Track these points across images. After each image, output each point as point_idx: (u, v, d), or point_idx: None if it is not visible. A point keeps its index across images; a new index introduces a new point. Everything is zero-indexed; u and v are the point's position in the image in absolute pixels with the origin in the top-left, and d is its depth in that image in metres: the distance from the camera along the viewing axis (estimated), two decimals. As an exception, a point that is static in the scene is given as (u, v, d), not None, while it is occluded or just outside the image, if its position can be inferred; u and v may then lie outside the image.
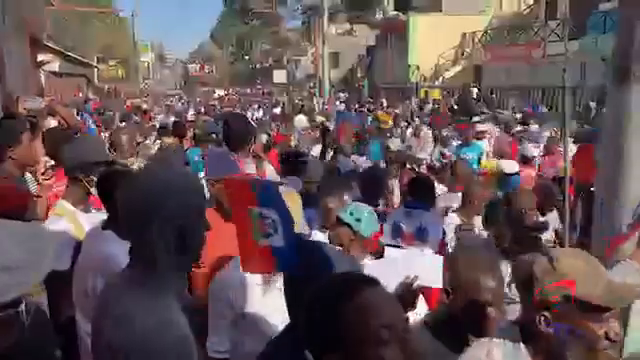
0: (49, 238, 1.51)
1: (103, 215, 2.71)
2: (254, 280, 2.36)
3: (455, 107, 17.70)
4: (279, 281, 2.27)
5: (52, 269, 1.40)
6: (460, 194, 4.77)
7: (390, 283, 2.02)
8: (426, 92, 26.12)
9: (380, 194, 4.74)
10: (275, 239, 1.86)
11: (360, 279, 1.42)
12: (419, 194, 4.09)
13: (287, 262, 1.82)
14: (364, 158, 7.46)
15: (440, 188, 5.44)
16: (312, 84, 37.61)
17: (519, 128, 10.79)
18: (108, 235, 2.46)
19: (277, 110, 21.21)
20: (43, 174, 3.75)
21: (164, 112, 19.57)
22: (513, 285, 1.96)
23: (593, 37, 17.57)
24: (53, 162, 3.89)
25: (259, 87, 50.68)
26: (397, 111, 16.04)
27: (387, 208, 4.85)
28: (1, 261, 1.29)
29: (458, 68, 27.79)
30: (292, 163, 4.78)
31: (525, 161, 7.03)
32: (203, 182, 2.80)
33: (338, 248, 2.38)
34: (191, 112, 18.84)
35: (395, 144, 9.01)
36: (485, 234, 3.75)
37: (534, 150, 7.73)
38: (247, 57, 71.99)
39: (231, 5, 72.38)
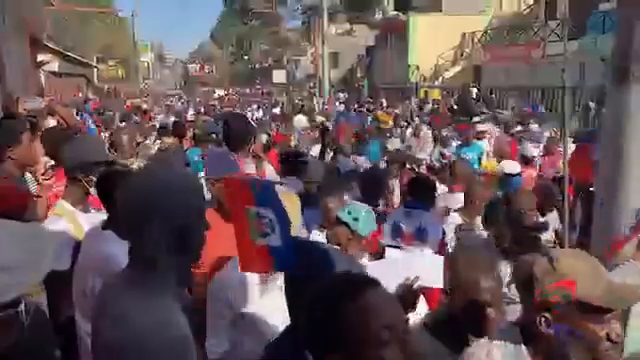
0: (48, 238, 1.51)
1: (102, 215, 2.70)
2: (253, 280, 2.36)
3: (455, 107, 17.71)
4: (278, 281, 2.28)
5: (52, 269, 1.40)
6: (459, 194, 4.77)
7: (391, 284, 2.02)
8: (426, 92, 26.14)
9: (380, 194, 4.74)
10: (272, 238, 1.86)
11: (361, 279, 1.43)
12: (419, 194, 4.08)
13: (284, 262, 1.82)
14: (364, 158, 7.47)
15: (442, 188, 5.45)
16: (312, 84, 37.64)
17: (519, 128, 10.80)
18: (108, 235, 2.45)
19: (277, 110, 21.24)
20: (43, 174, 3.74)
21: (164, 112, 19.58)
22: (513, 285, 1.96)
23: (592, 37, 17.57)
24: (53, 162, 3.89)
25: (259, 87, 50.72)
26: (397, 111, 16.04)
27: (387, 208, 4.85)
28: (0, 261, 1.29)
29: (458, 68, 27.80)
30: (292, 163, 4.77)
31: (525, 161, 7.02)
32: (203, 182, 2.80)
33: (336, 247, 2.39)
34: (191, 112, 18.86)
35: (394, 144, 9.03)
36: (485, 234, 3.75)
37: (534, 150, 7.72)
38: (247, 57, 72.00)
39: (231, 5, 72.39)
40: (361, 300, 1.32)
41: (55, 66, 20.86)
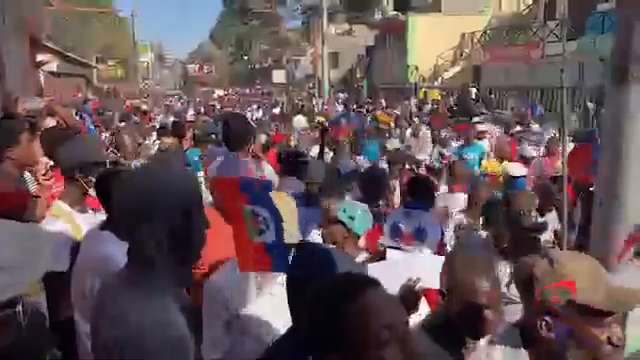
0: (45, 238, 1.51)
1: (100, 216, 2.70)
2: (249, 281, 2.35)
3: (454, 107, 17.72)
4: (275, 282, 2.28)
5: (51, 270, 1.40)
6: (459, 194, 4.77)
7: (392, 285, 2.01)
8: (425, 92, 26.10)
9: (380, 194, 4.74)
10: (267, 236, 1.90)
11: (362, 280, 1.43)
12: (418, 194, 4.08)
13: (281, 259, 1.84)
14: (363, 158, 7.47)
15: (443, 189, 5.46)
16: (311, 84, 37.62)
17: (518, 128, 10.79)
18: (106, 236, 2.44)
19: (276, 110, 21.24)
20: (44, 175, 3.74)
21: (163, 112, 19.58)
22: (512, 285, 1.96)
23: (591, 37, 17.56)
24: (52, 162, 3.89)
25: (258, 87, 50.70)
26: (397, 112, 16.04)
27: (388, 208, 4.84)
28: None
29: (457, 68, 27.80)
30: (292, 163, 4.77)
31: (524, 162, 7.03)
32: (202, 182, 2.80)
33: (332, 246, 2.39)
34: (190, 112, 18.86)
35: (393, 144, 9.03)
36: (484, 234, 3.75)
37: (533, 150, 7.73)
38: (246, 57, 72.01)
39: (230, 5, 72.40)
40: (361, 300, 1.33)
41: (54, 66, 20.84)
